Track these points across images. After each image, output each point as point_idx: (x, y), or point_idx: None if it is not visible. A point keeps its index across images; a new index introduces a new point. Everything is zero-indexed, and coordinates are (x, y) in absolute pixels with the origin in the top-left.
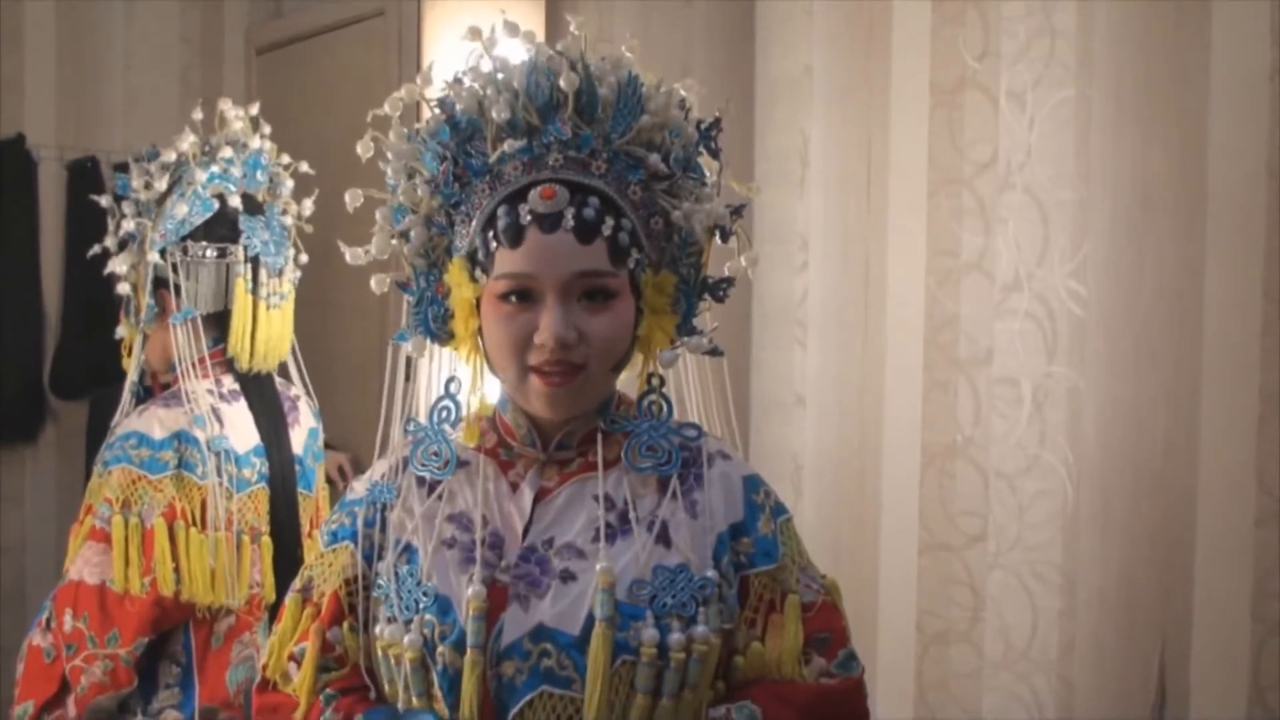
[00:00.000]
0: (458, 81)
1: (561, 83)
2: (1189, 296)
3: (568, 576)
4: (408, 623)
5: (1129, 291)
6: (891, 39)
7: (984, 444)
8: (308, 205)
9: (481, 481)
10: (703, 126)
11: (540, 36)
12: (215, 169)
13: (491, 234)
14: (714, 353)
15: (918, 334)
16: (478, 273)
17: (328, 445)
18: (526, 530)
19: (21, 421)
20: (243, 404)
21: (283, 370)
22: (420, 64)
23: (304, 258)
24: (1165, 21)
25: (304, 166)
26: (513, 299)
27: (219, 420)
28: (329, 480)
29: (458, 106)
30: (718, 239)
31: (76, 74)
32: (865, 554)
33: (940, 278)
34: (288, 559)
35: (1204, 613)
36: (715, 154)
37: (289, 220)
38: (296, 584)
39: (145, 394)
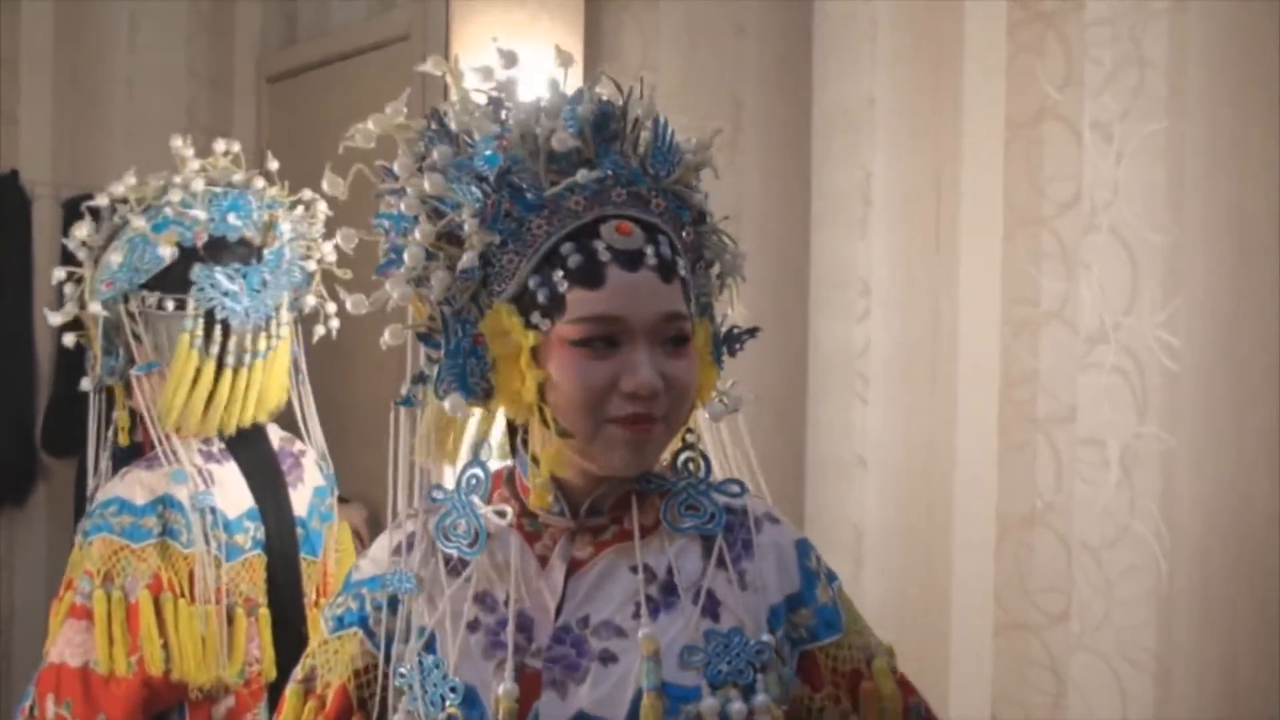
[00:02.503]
0: (496, 106)
1: (629, 112)
2: None
3: (608, 658)
4: (430, 718)
5: (1226, 343)
6: (963, 66)
7: (1066, 512)
8: (328, 249)
9: (513, 557)
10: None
11: (579, 58)
12: (169, 213)
13: (560, 274)
14: (734, 410)
15: (992, 389)
16: (537, 317)
17: (342, 499)
18: (559, 609)
19: (10, 481)
20: (233, 465)
21: (290, 424)
22: (448, 94)
23: (331, 306)
24: (1264, 49)
25: (321, 205)
26: (595, 345)
27: (210, 482)
28: (355, 533)
29: (501, 136)
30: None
31: (75, 107)
32: (934, 633)
33: (1017, 328)
34: (290, 632)
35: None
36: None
37: (311, 265)
38: (299, 673)
39: (133, 453)
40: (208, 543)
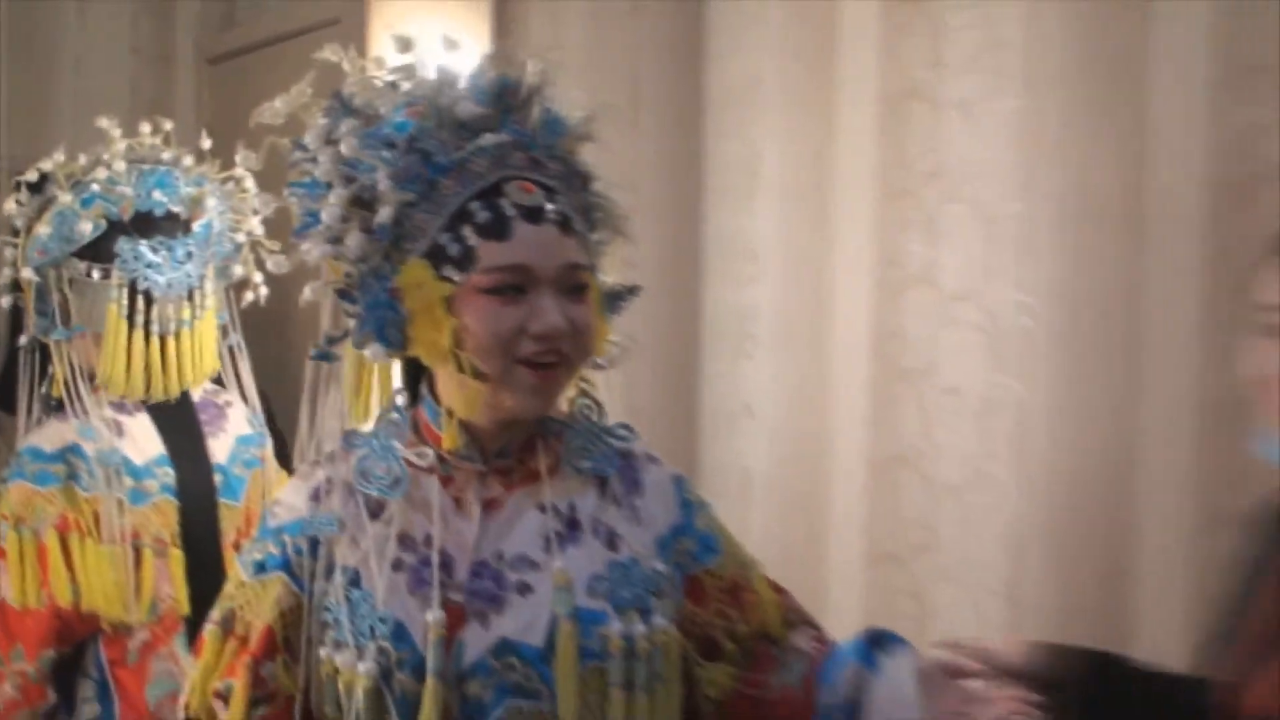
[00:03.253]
0: (393, 86)
1: (527, 81)
2: (1131, 309)
3: (524, 589)
4: (360, 649)
5: (1073, 303)
6: (841, 48)
7: (930, 455)
8: (254, 222)
9: (435, 500)
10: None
11: (486, 43)
12: (96, 188)
13: (468, 229)
14: (598, 366)
15: (865, 346)
16: (448, 270)
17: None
18: (476, 545)
19: None
20: (146, 415)
21: (218, 377)
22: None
23: (258, 276)
24: (1108, 36)
25: (249, 182)
26: (505, 292)
27: (120, 432)
28: None
29: (413, 104)
30: None
31: (24, 84)
32: (814, 565)
33: (887, 290)
34: (207, 572)
35: (1146, 625)
36: None
37: (240, 238)
38: (215, 615)
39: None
40: (111, 489)
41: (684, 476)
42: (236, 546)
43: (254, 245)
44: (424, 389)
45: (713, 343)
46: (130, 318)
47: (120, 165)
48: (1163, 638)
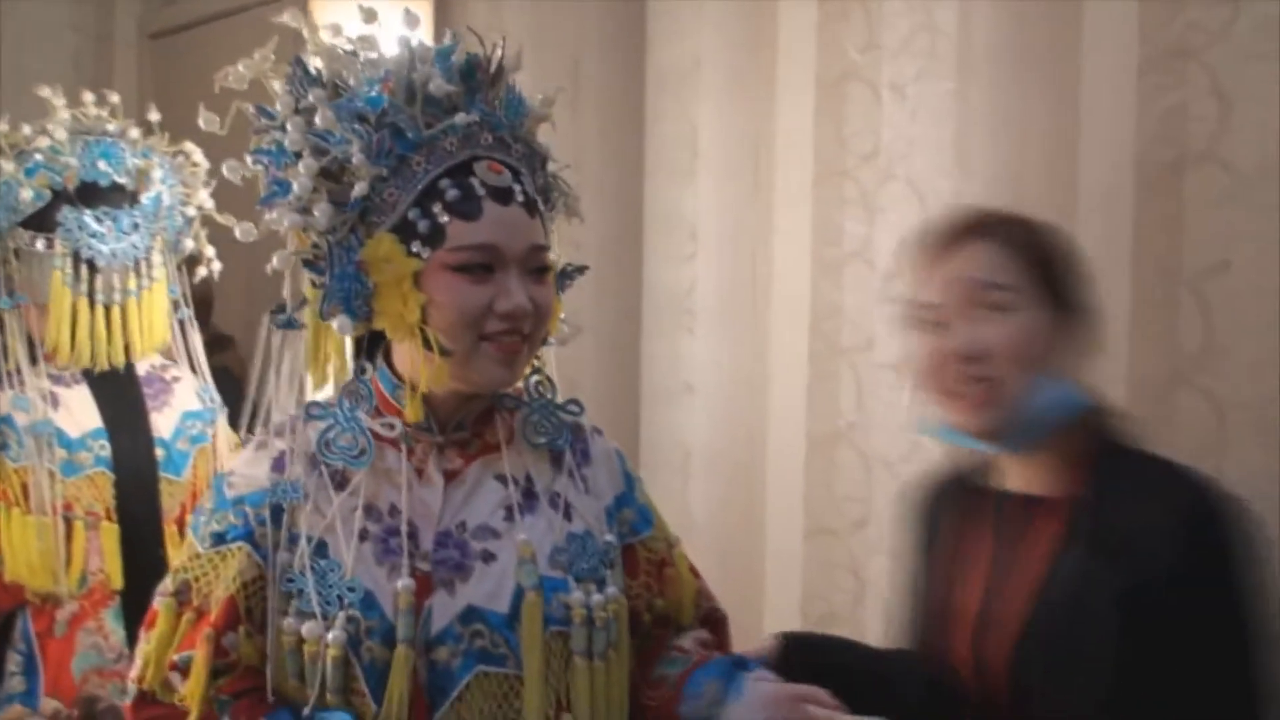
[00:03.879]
0: (354, 55)
1: (495, 61)
2: None
3: (488, 557)
4: (328, 618)
5: None
6: (779, 31)
7: (866, 430)
8: (204, 196)
9: (404, 470)
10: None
11: (429, 26)
12: (40, 158)
13: (438, 206)
14: (546, 343)
15: (803, 322)
16: (417, 246)
17: None
18: (439, 516)
19: None
20: (85, 387)
21: (167, 351)
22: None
23: (210, 250)
24: (1039, 20)
25: (198, 155)
26: (472, 271)
27: (54, 403)
28: None
29: (385, 80)
30: None
31: None
32: (752, 539)
33: (824, 267)
34: (142, 545)
35: None
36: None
37: (191, 210)
38: (169, 587)
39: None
40: (40, 459)
41: (622, 451)
42: (180, 522)
43: (205, 220)
44: (379, 360)
45: (653, 319)
46: (74, 286)
47: (62, 134)
48: None
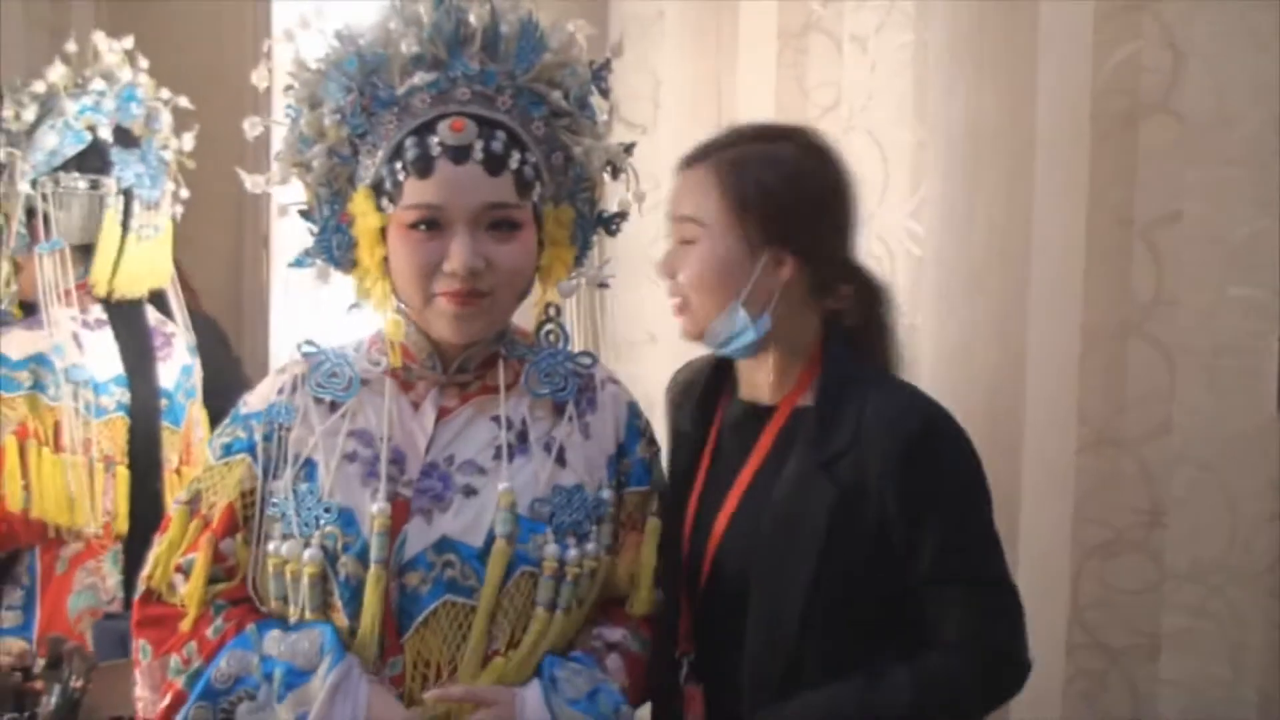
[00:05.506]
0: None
1: (471, 18)
2: (1018, 236)
3: (470, 491)
4: (306, 539)
5: (962, 231)
6: None
7: None
8: (188, 139)
9: (386, 399)
10: (594, 67)
11: None
12: (87, 101)
13: (400, 165)
14: (603, 285)
15: None
16: (384, 202)
17: None
18: (428, 448)
19: None
20: (108, 332)
21: (163, 306)
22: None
23: (184, 192)
24: None
25: (184, 101)
26: (422, 228)
27: (80, 346)
28: None
29: (362, 39)
30: (608, 176)
31: None
32: None
33: None
34: (146, 491)
35: (1027, 538)
36: (605, 94)
37: (168, 154)
38: (184, 496)
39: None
40: (76, 402)
41: (640, 407)
42: (178, 471)
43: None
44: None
45: (616, 269)
46: (125, 223)
47: (129, 75)
48: (1042, 554)
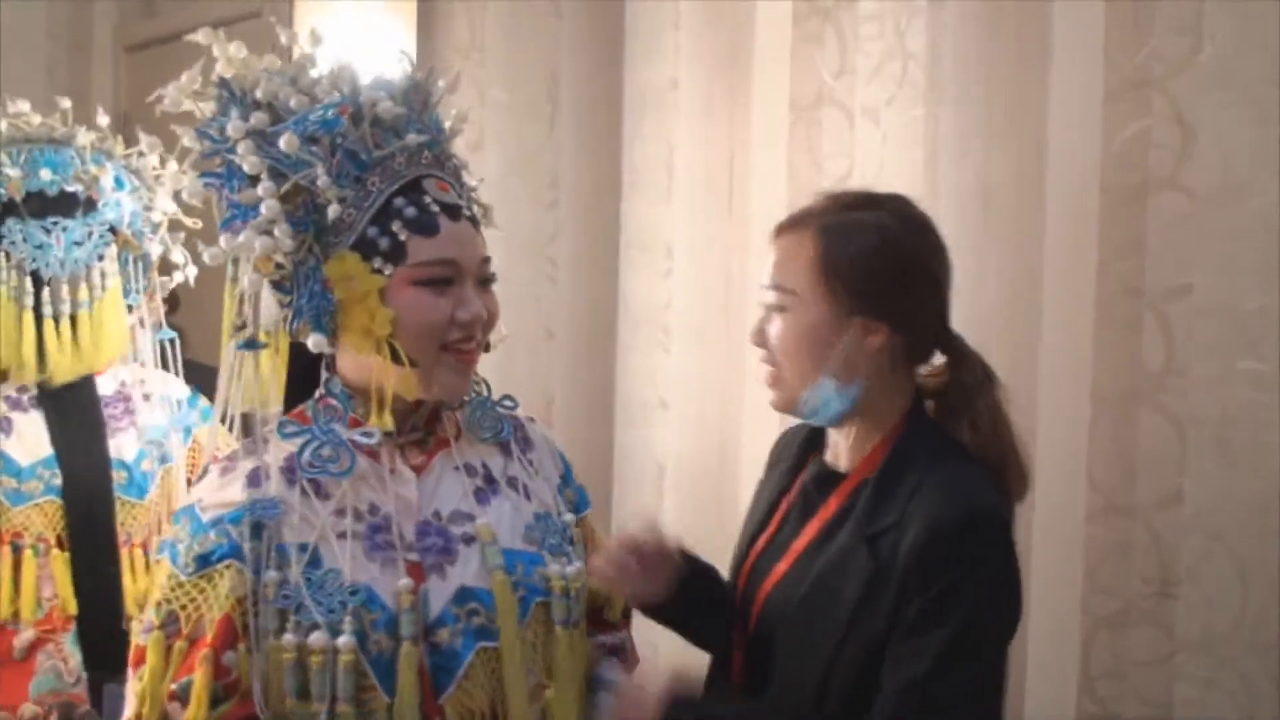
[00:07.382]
0: (293, 80)
1: (436, 87)
2: (1028, 303)
3: (469, 539)
4: (334, 625)
5: (971, 298)
6: (754, 55)
7: None
8: (165, 200)
9: (384, 472)
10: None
11: (412, 39)
12: None
13: (398, 224)
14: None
15: None
16: (379, 262)
17: None
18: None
19: None
20: (39, 413)
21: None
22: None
23: (177, 255)
24: (1008, 46)
25: (153, 158)
26: (435, 284)
27: (9, 430)
28: None
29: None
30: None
31: None
32: (725, 555)
33: None
34: (95, 571)
35: (1038, 607)
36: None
37: (156, 216)
38: (154, 621)
39: None
40: None
41: (551, 436)
42: (145, 546)
43: (175, 226)
44: (324, 374)
45: (629, 335)
46: (20, 300)
47: (59, 136)
48: (1053, 623)
